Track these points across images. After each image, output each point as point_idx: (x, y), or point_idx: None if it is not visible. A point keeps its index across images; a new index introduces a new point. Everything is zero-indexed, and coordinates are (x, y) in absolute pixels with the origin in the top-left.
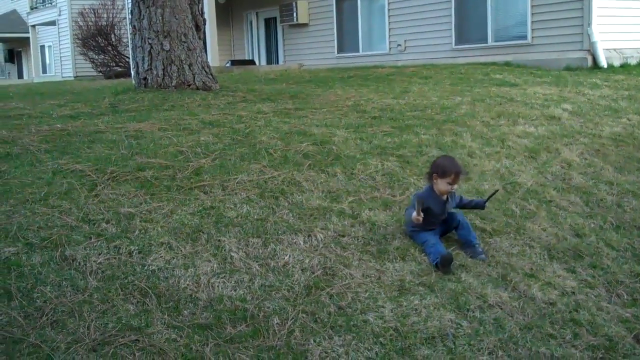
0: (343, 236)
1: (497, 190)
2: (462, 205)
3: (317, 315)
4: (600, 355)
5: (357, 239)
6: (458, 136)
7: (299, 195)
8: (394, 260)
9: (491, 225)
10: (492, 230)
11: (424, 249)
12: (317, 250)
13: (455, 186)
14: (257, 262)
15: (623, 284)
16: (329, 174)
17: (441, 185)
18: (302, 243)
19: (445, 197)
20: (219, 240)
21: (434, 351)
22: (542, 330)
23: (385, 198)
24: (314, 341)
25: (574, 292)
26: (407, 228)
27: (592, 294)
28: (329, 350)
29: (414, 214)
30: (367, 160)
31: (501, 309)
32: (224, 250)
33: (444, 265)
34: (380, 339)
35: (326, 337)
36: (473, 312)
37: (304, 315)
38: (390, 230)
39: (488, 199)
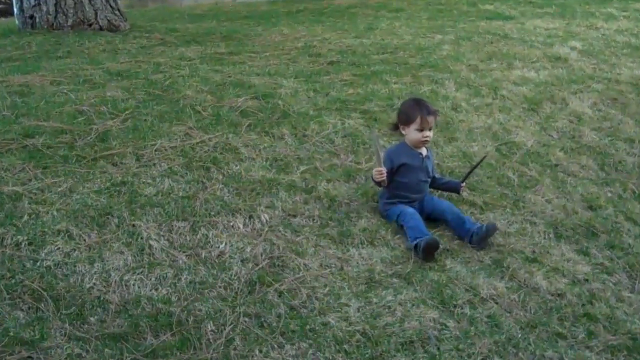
0: (294, 216)
1: (481, 161)
2: (435, 184)
3: (263, 319)
4: (622, 358)
5: (313, 220)
6: (439, 85)
7: (236, 165)
8: (360, 246)
9: (482, 198)
10: (484, 203)
11: (401, 223)
12: (261, 235)
13: (429, 133)
14: (183, 252)
15: None
16: (275, 137)
17: (412, 135)
18: (241, 226)
19: (424, 150)
20: (133, 226)
21: (412, 359)
22: (549, 328)
23: (348, 166)
24: (260, 351)
25: (587, 280)
26: (380, 202)
27: (610, 282)
28: None
29: (375, 170)
30: (323, 118)
31: (496, 303)
32: (141, 239)
33: (427, 251)
34: (345, 346)
35: (275, 346)
36: (461, 308)
37: (247, 320)
38: (355, 207)
39: (467, 176)
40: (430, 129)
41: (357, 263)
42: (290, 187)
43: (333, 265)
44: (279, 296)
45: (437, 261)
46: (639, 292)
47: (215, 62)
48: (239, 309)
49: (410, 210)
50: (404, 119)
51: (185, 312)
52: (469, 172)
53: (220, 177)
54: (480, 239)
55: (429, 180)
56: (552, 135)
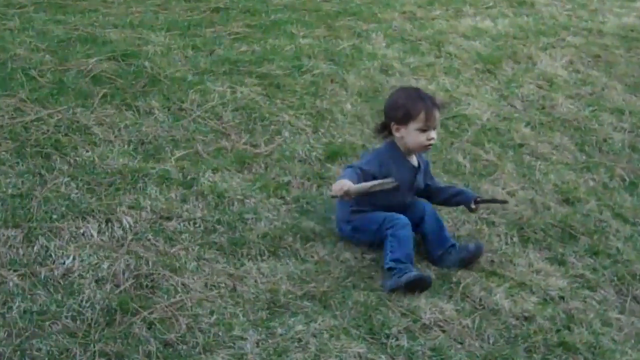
0: (169, 219)
1: (506, 201)
2: (439, 196)
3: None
4: None
5: (194, 224)
6: (363, 39)
7: (86, 151)
8: (259, 258)
9: None
10: None
11: (385, 233)
12: (123, 245)
13: (434, 133)
14: (15, 271)
15: None
16: (140, 112)
17: (412, 137)
18: (95, 234)
19: (415, 160)
20: None
21: None
22: None
23: (241, 150)
24: None
25: (563, 298)
26: (339, 212)
27: (593, 300)
28: None
29: (345, 183)
30: (207, 85)
31: (443, 331)
32: None
33: (413, 287)
34: None
35: None
36: (397, 339)
37: None
38: (251, 206)
39: (488, 201)
40: (435, 128)
41: (256, 281)
42: (163, 180)
43: (222, 285)
44: (149, 328)
45: (363, 276)
46: (631, 312)
47: (57, 9)
48: (93, 347)
49: (403, 219)
50: (401, 115)
51: (19, 353)
52: (491, 201)
53: (66, 167)
54: (462, 260)
55: (414, 192)
56: (515, 105)
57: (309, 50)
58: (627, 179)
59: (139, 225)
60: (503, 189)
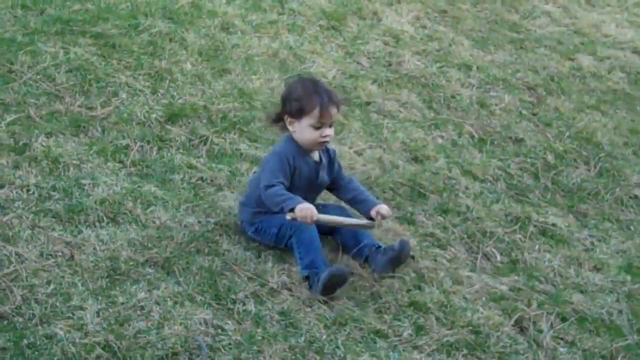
0: (0, 186)
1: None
2: (345, 193)
3: None
4: (461, 358)
5: (28, 191)
6: None
7: None
8: (98, 225)
9: (264, 150)
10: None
11: (295, 252)
12: None
13: (330, 131)
14: None
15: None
16: None
17: (304, 132)
18: None
19: (317, 155)
20: None
21: None
22: (363, 325)
23: (76, 113)
24: None
25: (412, 258)
26: (242, 213)
27: (443, 258)
28: None
29: (313, 210)
30: (38, 46)
31: (292, 295)
32: None
33: (330, 287)
34: None
35: None
36: (243, 304)
37: None
38: (88, 171)
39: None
40: (331, 125)
41: (95, 249)
42: None
43: (59, 254)
44: None
45: (207, 241)
46: (481, 270)
47: None
48: None
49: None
50: (295, 108)
51: None
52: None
53: None
54: (390, 261)
55: (320, 188)
56: (362, 62)
57: (146, 8)
58: (476, 136)
59: None
60: (350, 148)
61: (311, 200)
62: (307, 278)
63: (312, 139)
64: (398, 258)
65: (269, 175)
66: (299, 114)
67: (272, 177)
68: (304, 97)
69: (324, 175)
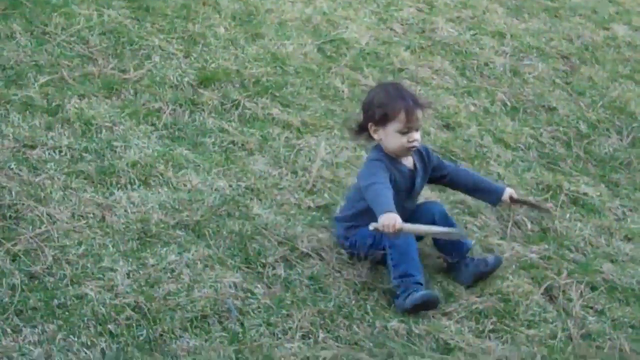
0: (32, 147)
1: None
2: (456, 182)
3: None
4: (490, 325)
5: (60, 152)
6: None
7: None
8: (129, 187)
9: (300, 116)
10: (302, 124)
11: (388, 259)
12: None
13: (417, 135)
14: None
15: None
16: (1, 36)
17: (391, 139)
18: None
19: (410, 161)
20: None
21: (206, 340)
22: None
23: (109, 76)
24: None
25: None
26: (338, 226)
27: (474, 225)
28: None
29: (397, 220)
30: (72, 7)
31: (322, 259)
32: None
33: (420, 308)
34: (110, 326)
35: (9, 331)
36: (273, 268)
37: None
38: (120, 134)
39: (522, 202)
40: (417, 130)
41: (126, 211)
42: (26, 107)
43: (91, 215)
44: (13, 261)
45: (238, 205)
46: (512, 238)
47: None
48: None
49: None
50: (379, 115)
51: None
52: (529, 203)
53: None
54: (477, 275)
55: (416, 197)
56: (395, 29)
57: None
58: (509, 104)
59: (1, 154)
60: None
61: (409, 207)
62: (396, 287)
63: (400, 144)
64: (488, 274)
65: (366, 176)
66: (383, 120)
67: (371, 177)
68: (387, 103)
69: (420, 182)
